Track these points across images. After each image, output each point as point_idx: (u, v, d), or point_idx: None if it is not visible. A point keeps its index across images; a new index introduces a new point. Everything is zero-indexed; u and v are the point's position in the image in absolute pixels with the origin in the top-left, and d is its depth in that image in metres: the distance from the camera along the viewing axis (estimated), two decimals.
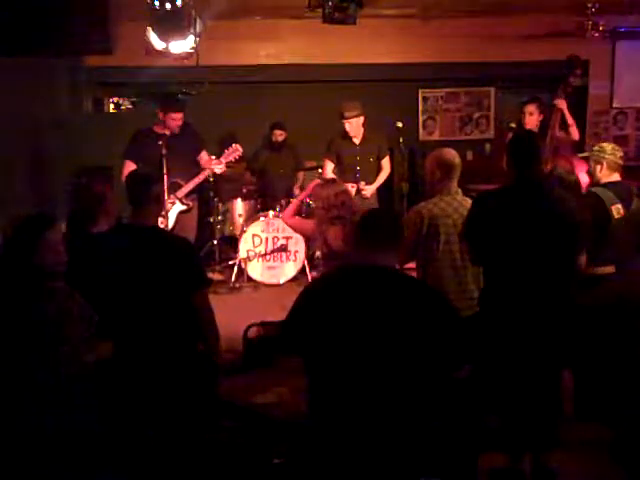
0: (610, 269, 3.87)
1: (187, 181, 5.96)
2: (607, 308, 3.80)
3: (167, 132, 5.81)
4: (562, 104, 5.45)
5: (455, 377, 2.68)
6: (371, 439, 2.36)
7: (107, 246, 3.06)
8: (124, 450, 2.81)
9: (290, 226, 4.83)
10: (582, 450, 3.65)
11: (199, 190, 6.36)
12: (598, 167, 4.06)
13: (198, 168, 6.08)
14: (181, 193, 5.92)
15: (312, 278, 6.36)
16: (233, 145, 6.23)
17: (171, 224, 5.92)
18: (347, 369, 2.39)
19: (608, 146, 4.12)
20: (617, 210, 3.90)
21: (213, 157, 6.11)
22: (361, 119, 6.24)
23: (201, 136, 6.16)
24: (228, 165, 7.20)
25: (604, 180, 4.04)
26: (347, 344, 2.39)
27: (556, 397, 3.49)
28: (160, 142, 5.58)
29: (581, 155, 5.32)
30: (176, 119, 5.85)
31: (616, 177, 4.06)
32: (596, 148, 4.17)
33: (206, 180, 6.52)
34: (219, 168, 6.08)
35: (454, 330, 2.49)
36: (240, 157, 6.49)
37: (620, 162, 4.06)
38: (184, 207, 5.98)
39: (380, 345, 2.36)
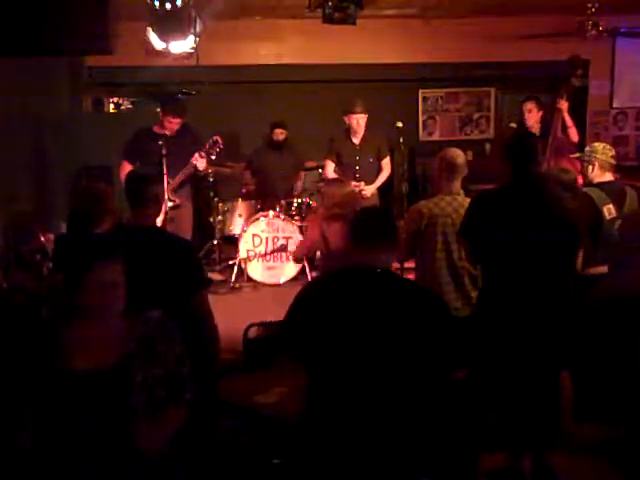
0: (603, 269, 3.87)
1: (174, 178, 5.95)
2: (602, 308, 3.79)
3: (167, 132, 5.80)
4: (563, 105, 5.44)
5: (452, 379, 2.67)
6: (368, 440, 2.36)
7: (106, 247, 3.05)
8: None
9: (301, 255, 4.82)
10: (582, 450, 3.65)
11: (197, 189, 6.34)
12: (590, 167, 4.06)
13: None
14: (167, 190, 5.86)
15: (311, 278, 6.37)
16: (213, 137, 5.99)
17: (159, 221, 5.86)
18: (344, 372, 2.39)
19: (599, 146, 4.11)
20: (608, 210, 3.89)
21: (195, 154, 5.91)
22: (366, 117, 6.27)
23: (200, 139, 6.09)
24: (228, 165, 7.22)
25: (597, 180, 4.03)
26: (342, 347, 2.38)
27: (556, 396, 3.49)
28: (160, 142, 5.57)
29: (573, 156, 5.31)
30: (173, 123, 5.84)
31: (609, 177, 4.04)
32: (587, 149, 4.17)
33: (205, 179, 6.50)
34: (202, 163, 5.92)
35: (450, 332, 2.47)
36: (240, 157, 6.47)
37: (612, 161, 4.04)
38: (170, 204, 5.92)
39: (374, 348, 2.35)
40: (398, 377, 2.36)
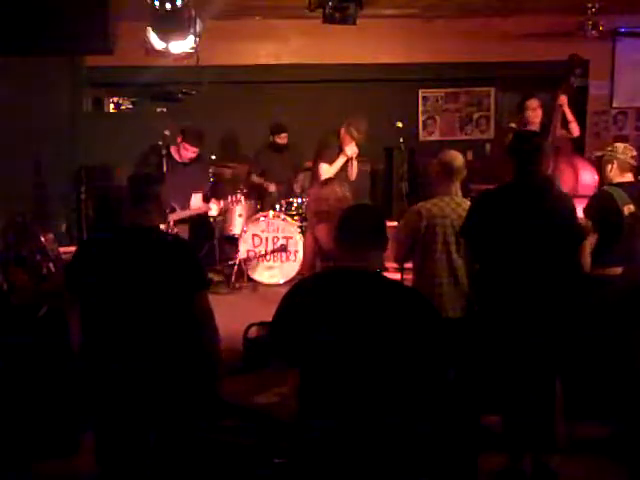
0: (617, 270, 3.87)
1: (183, 208, 6.02)
2: (613, 309, 3.79)
3: (178, 158, 5.93)
4: (563, 100, 5.46)
5: (445, 380, 2.65)
6: (361, 441, 2.35)
7: (106, 247, 3.05)
8: (126, 450, 2.82)
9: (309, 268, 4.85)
10: (582, 450, 3.65)
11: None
12: (609, 166, 4.06)
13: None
14: (172, 219, 5.86)
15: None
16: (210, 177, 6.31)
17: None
18: (330, 374, 2.37)
19: (620, 146, 4.13)
20: (629, 210, 3.90)
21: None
22: None
23: (208, 178, 6.24)
24: (228, 166, 7.22)
25: (616, 180, 4.04)
26: (327, 349, 2.36)
27: (554, 396, 3.50)
28: (163, 152, 5.65)
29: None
30: (189, 150, 5.96)
31: (629, 177, 4.06)
32: (609, 148, 4.18)
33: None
34: (215, 210, 6.28)
35: (437, 333, 2.44)
36: (240, 157, 6.45)
37: (632, 162, 4.05)
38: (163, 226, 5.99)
39: (358, 349, 2.33)
40: (386, 377, 2.35)
